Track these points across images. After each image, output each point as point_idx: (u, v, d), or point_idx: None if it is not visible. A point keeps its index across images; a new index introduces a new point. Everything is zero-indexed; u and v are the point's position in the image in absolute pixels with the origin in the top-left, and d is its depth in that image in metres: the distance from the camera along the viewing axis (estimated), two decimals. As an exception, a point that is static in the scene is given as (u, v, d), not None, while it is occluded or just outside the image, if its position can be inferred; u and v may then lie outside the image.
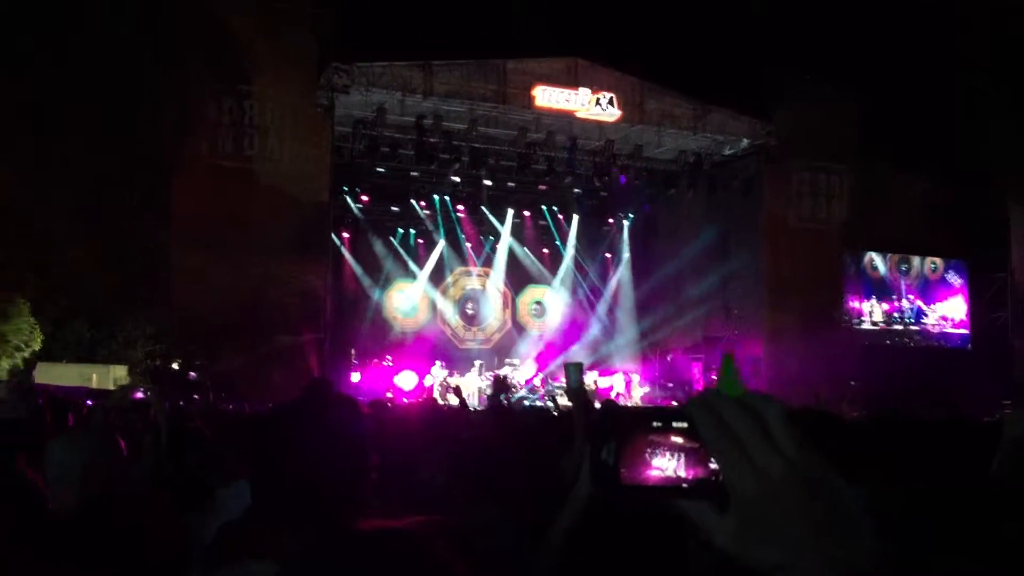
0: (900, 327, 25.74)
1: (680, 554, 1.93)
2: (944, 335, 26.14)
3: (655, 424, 0.92)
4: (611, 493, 0.93)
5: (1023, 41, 21.72)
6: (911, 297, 25.80)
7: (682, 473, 0.91)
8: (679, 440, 0.91)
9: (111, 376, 18.65)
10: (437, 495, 3.02)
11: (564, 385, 23.28)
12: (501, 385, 10.13)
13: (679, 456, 0.91)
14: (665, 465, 0.91)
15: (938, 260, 26.22)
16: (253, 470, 1.89)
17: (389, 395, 22.14)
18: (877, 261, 25.71)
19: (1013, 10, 20.86)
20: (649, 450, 0.92)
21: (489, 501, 2.77)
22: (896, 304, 25.67)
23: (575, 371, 4.18)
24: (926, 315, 25.99)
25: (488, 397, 10.63)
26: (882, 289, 25.62)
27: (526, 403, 21.90)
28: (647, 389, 25.52)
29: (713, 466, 0.90)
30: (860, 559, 0.84)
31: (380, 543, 1.27)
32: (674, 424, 0.92)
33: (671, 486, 0.91)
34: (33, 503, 2.81)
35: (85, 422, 4.60)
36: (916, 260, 26.09)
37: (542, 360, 26.90)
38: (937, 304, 26.08)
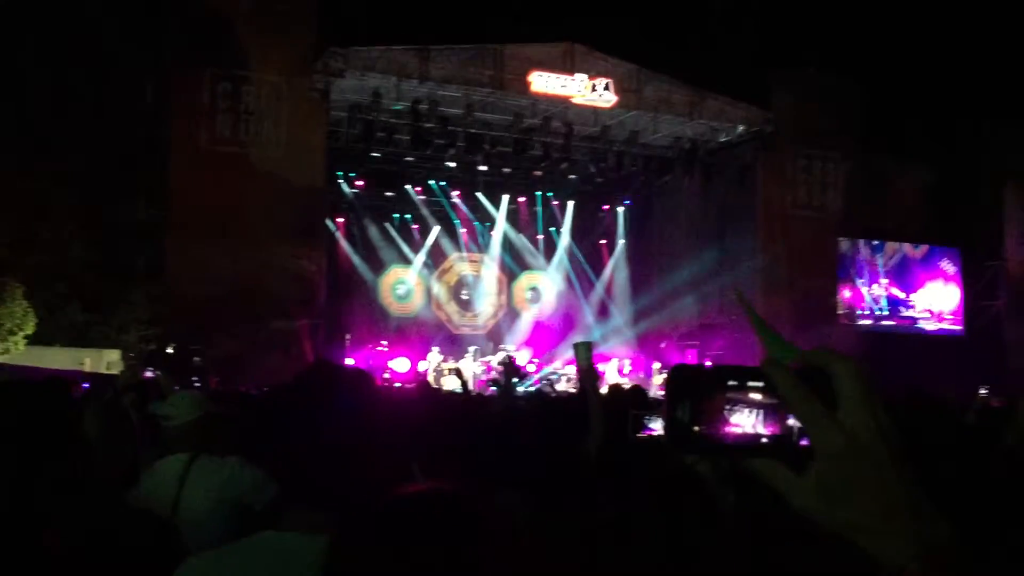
0: (883, 317, 25.57)
1: (710, 516, 1.97)
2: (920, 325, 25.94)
3: (731, 383, 0.92)
4: (688, 450, 0.94)
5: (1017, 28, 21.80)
6: (884, 282, 25.60)
7: (761, 430, 0.91)
8: (757, 397, 0.91)
9: (104, 360, 18.70)
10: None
11: (557, 372, 23.49)
12: (513, 370, 9.82)
13: (758, 413, 0.91)
14: (744, 422, 0.91)
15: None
16: (274, 449, 1.90)
17: (386, 376, 22.24)
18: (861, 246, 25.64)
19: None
20: (727, 407, 0.91)
21: (511, 488, 2.80)
22: (869, 291, 25.44)
23: (585, 350, 4.07)
24: (908, 304, 25.81)
25: (500, 384, 10.38)
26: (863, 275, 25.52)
27: (520, 390, 21.94)
28: (640, 376, 25.58)
29: (791, 423, 0.89)
30: (938, 534, 0.84)
31: (428, 502, 1.32)
32: (750, 383, 0.92)
33: (748, 443, 0.91)
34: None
35: (97, 399, 4.65)
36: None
37: (537, 345, 26.96)
38: (920, 291, 25.88)
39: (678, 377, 0.94)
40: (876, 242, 25.24)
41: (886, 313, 25.41)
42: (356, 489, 1.69)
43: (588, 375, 3.84)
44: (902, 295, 25.52)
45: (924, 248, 25.80)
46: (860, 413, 0.86)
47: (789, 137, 23.62)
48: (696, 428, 0.92)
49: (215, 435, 3.60)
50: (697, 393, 0.92)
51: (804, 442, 0.89)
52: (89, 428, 2.93)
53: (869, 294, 25.26)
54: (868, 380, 0.88)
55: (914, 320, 25.67)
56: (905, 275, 25.72)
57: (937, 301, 25.90)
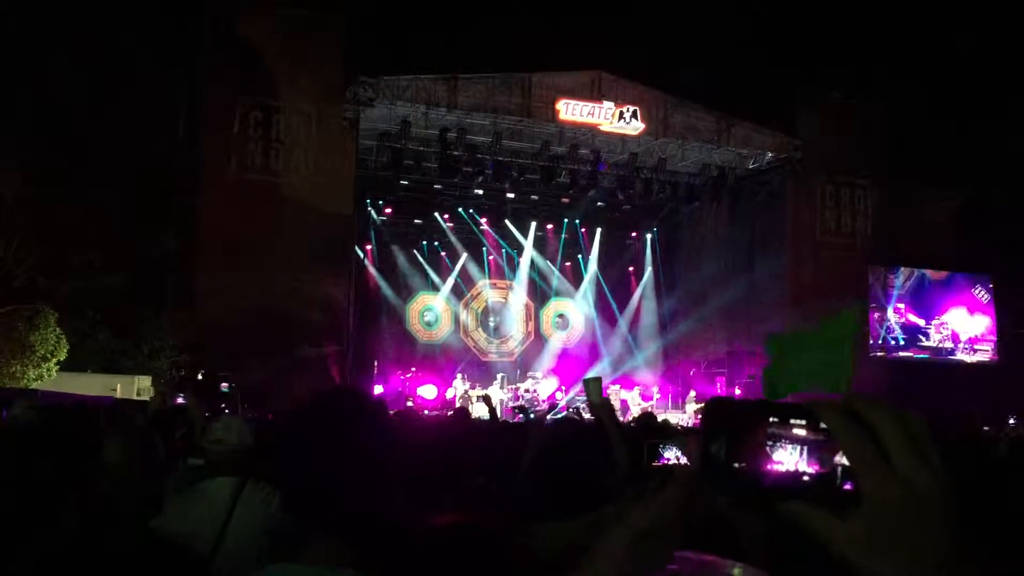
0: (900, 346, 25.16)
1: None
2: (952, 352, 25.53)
3: (772, 419, 0.89)
4: (723, 488, 0.90)
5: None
6: (901, 307, 25.26)
7: (804, 467, 0.87)
8: (801, 432, 0.88)
9: (135, 387, 18.83)
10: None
11: (582, 398, 23.39)
12: (522, 411, 9.88)
13: (802, 449, 0.87)
14: (786, 458, 0.87)
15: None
16: (282, 479, 1.87)
17: (409, 403, 22.21)
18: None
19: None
20: (770, 442, 0.88)
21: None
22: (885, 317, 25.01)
23: (595, 386, 4.04)
24: (925, 332, 25.47)
25: (527, 411, 10.38)
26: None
27: (549, 417, 21.88)
28: (665, 404, 25.42)
29: (838, 460, 0.85)
30: None
31: (457, 536, 1.32)
32: (792, 420, 0.88)
33: (789, 482, 0.87)
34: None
35: (126, 424, 4.70)
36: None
37: (564, 373, 26.89)
38: (942, 316, 25.53)
39: (716, 410, 0.92)
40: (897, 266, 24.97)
41: (902, 342, 25.04)
42: (380, 520, 1.66)
43: (601, 409, 3.78)
44: (921, 322, 25.18)
45: (944, 272, 25.48)
46: (916, 463, 0.83)
47: (817, 163, 23.52)
48: (735, 464, 0.89)
49: (261, 462, 3.63)
50: (736, 427, 0.89)
51: (848, 485, 0.85)
52: (111, 456, 2.96)
53: (887, 320, 24.95)
54: (915, 428, 0.84)
55: (940, 349, 25.32)
56: (923, 300, 25.38)
57: (963, 327, 25.52)
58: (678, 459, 2.70)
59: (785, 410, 0.89)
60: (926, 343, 25.22)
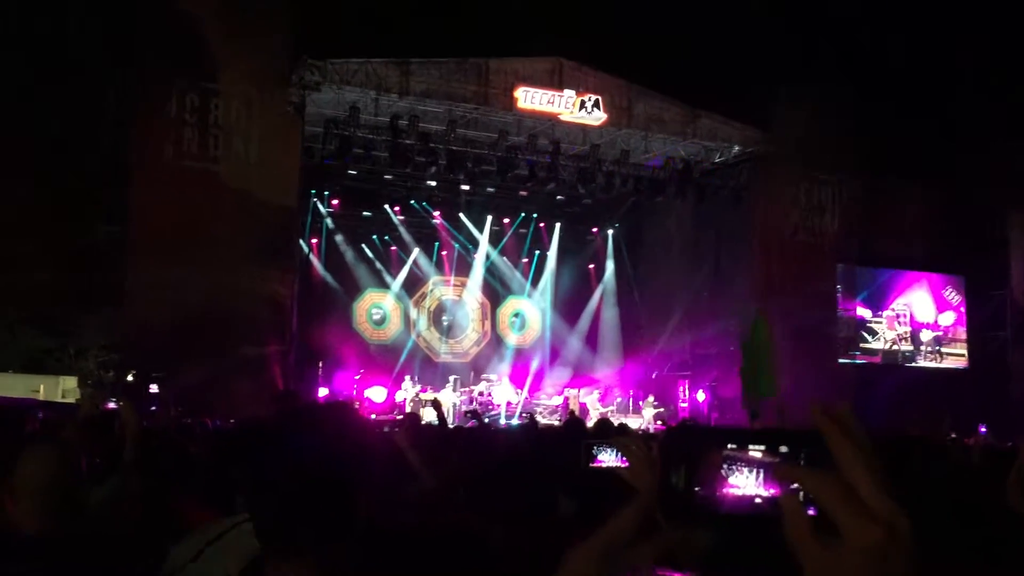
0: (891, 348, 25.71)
1: None
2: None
3: (730, 445, 0.90)
4: (684, 520, 0.92)
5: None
6: (866, 310, 25.70)
7: (761, 491, 0.88)
8: (757, 455, 0.89)
9: (60, 388, 18.52)
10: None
11: (539, 404, 23.46)
12: (476, 416, 9.99)
13: (758, 472, 0.88)
14: (742, 483, 0.89)
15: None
16: (252, 490, 1.84)
17: (355, 407, 22.08)
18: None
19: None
20: (725, 466, 0.90)
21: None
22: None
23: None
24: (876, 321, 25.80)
25: (480, 416, 10.46)
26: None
27: (501, 423, 21.96)
28: (626, 405, 25.57)
29: (794, 484, 0.86)
30: None
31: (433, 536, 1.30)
32: (751, 447, 0.90)
33: (746, 507, 0.88)
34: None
35: (50, 435, 4.57)
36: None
37: (521, 375, 26.95)
38: (892, 306, 25.87)
39: (675, 438, 0.93)
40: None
41: (871, 342, 25.47)
42: (347, 532, 1.65)
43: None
44: (868, 313, 25.59)
45: (915, 272, 25.98)
46: (891, 505, 0.83)
47: (787, 157, 23.66)
48: (697, 489, 0.91)
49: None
50: (693, 455, 0.92)
51: (812, 510, 0.85)
52: (29, 472, 2.85)
53: (854, 321, 25.37)
54: (867, 447, 0.85)
55: (906, 353, 25.76)
56: (890, 300, 25.84)
57: (925, 315, 25.96)
58: (615, 462, 2.76)
59: (745, 437, 0.90)
60: (891, 346, 25.65)
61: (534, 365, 28.06)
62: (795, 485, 0.86)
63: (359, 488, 1.75)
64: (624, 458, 2.69)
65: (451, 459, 4.88)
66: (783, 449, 0.89)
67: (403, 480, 4.21)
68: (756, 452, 0.90)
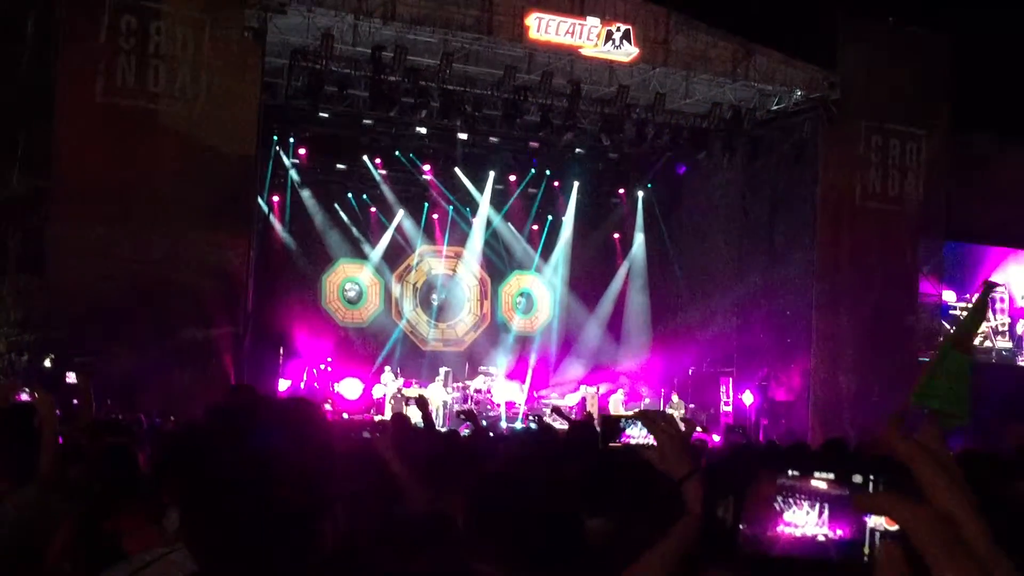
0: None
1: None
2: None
3: (791, 472, 0.89)
4: (727, 557, 0.90)
5: None
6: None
7: (824, 530, 0.87)
8: (822, 486, 0.88)
9: (-40, 374, 18.52)
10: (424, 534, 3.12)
11: (555, 402, 23.53)
12: (472, 417, 10.20)
13: (822, 507, 0.88)
14: (801, 519, 0.88)
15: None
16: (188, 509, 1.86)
17: (328, 407, 22.15)
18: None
19: None
20: (780, 498, 0.89)
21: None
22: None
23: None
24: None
25: (476, 418, 10.59)
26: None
27: (502, 426, 22.04)
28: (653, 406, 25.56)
29: (871, 523, 0.85)
30: None
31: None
32: (816, 474, 0.89)
33: (806, 551, 0.87)
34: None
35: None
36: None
37: (527, 370, 26.97)
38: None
39: (724, 464, 0.94)
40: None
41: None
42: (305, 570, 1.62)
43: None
44: (955, 298, 25.52)
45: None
46: (996, 554, 0.82)
47: (860, 106, 23.59)
48: (742, 527, 0.89)
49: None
50: (742, 483, 0.90)
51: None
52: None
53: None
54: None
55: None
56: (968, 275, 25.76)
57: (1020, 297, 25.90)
58: (643, 438, 2.96)
59: (811, 461, 0.89)
60: (985, 340, 25.56)
61: (537, 357, 28.04)
62: (880, 519, 0.85)
63: (323, 512, 1.75)
64: (651, 435, 2.75)
65: (449, 474, 4.81)
66: (856, 479, 0.89)
67: (384, 501, 4.19)
68: (821, 482, 0.88)
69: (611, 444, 3.07)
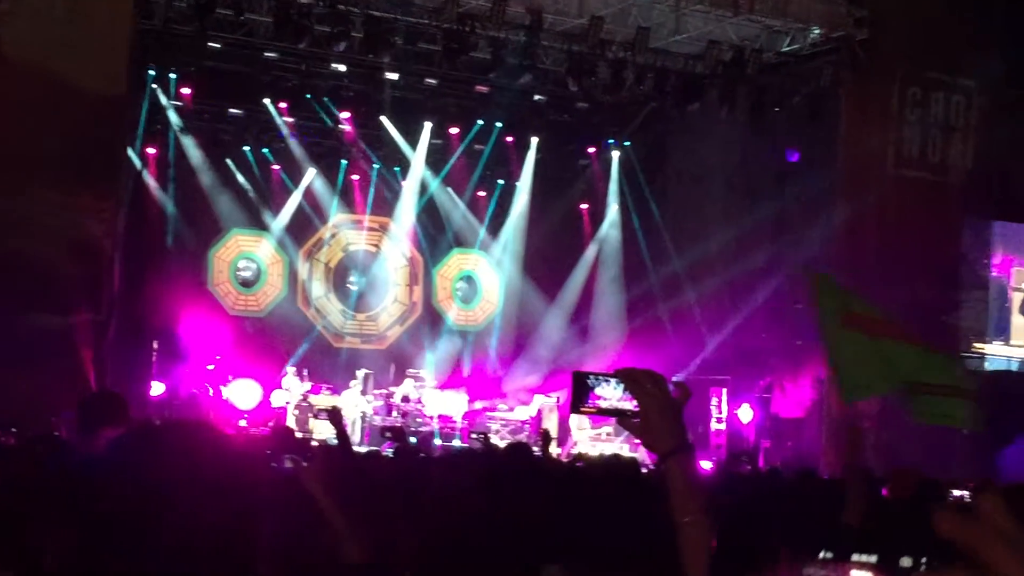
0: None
1: None
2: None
3: (823, 555, 0.93)
4: None
5: None
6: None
7: None
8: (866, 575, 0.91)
9: None
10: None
11: (503, 415, 23.61)
12: (400, 437, 10.14)
13: None
14: None
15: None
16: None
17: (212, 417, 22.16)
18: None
19: None
20: None
21: None
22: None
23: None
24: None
25: (403, 437, 10.63)
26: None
27: (435, 444, 22.14)
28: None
29: None
30: None
31: None
32: (856, 556, 0.92)
33: None
34: None
35: None
36: None
37: (473, 382, 27.01)
38: None
39: (730, 540, 0.95)
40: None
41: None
42: None
43: None
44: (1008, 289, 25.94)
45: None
46: None
47: (893, 50, 23.73)
48: None
49: None
50: (762, 558, 0.96)
51: None
52: None
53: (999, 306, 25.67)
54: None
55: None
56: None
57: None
58: (621, 402, 2.99)
59: (847, 541, 0.94)
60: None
61: (482, 357, 28.15)
62: None
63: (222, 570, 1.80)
64: (631, 396, 2.87)
65: (393, 514, 4.95)
66: (904, 562, 0.89)
67: (310, 551, 4.26)
68: (863, 571, 0.92)
69: (582, 408, 3.09)
